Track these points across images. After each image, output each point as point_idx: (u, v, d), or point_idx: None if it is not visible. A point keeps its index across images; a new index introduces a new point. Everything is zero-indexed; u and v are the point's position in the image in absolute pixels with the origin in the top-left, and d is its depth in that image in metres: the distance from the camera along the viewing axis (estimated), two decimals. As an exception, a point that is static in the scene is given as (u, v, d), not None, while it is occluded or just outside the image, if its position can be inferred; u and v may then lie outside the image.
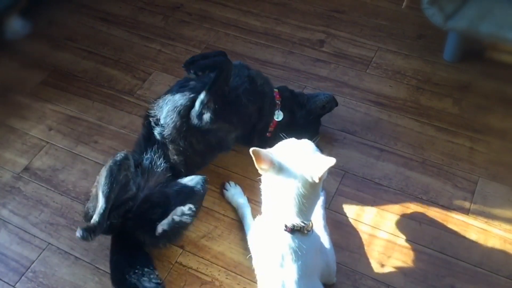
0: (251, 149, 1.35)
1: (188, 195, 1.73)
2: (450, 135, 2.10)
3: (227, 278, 1.74)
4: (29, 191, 2.01)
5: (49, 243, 1.85)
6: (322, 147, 2.06)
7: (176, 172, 1.85)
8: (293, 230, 1.43)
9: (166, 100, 1.80)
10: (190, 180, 1.79)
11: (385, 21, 2.62)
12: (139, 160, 1.79)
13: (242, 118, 1.87)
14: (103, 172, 1.62)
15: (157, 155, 1.80)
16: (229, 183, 1.97)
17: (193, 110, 1.75)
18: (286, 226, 1.43)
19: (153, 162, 1.79)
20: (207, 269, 1.77)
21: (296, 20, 2.66)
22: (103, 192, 1.58)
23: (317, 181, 1.36)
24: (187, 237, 1.85)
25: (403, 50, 2.46)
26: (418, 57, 2.42)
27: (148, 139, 1.84)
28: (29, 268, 1.79)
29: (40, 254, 1.82)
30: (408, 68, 2.38)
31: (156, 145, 1.81)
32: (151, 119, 1.82)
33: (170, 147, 1.82)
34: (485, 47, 2.40)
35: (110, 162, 1.64)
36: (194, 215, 1.64)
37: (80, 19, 2.78)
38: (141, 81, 2.42)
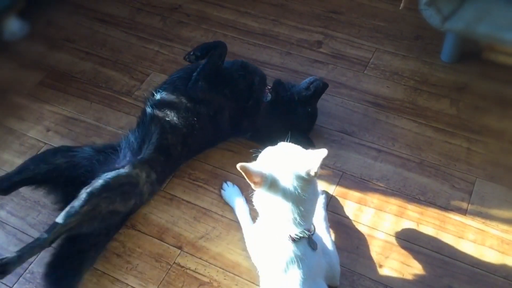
0: (238, 165, 1.34)
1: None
2: (448, 136, 2.10)
3: (225, 279, 1.74)
4: (27, 192, 2.00)
5: (47, 244, 1.85)
6: (318, 148, 2.07)
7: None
8: (296, 239, 1.42)
9: (164, 81, 2.05)
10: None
11: (383, 22, 2.62)
12: (119, 144, 1.92)
13: (234, 91, 2.00)
14: None
15: (137, 137, 1.91)
16: (226, 183, 1.97)
17: (189, 82, 1.96)
18: (290, 236, 1.42)
19: (130, 142, 1.90)
20: (205, 270, 1.77)
21: (294, 21, 2.66)
22: (26, 160, 1.86)
23: (312, 174, 1.36)
24: (185, 238, 1.85)
25: (400, 51, 2.47)
26: (415, 58, 2.43)
27: (139, 121, 1.97)
28: (27, 269, 1.79)
29: (38, 255, 1.82)
30: (406, 69, 2.38)
31: (142, 126, 1.93)
32: (148, 97, 2.00)
33: (159, 116, 1.91)
34: (482, 48, 2.41)
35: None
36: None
37: (78, 20, 2.77)
38: (139, 82, 2.42)
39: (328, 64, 2.43)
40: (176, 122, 1.91)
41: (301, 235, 1.41)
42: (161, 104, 1.94)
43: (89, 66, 2.51)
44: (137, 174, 1.79)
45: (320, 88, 2.05)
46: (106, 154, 1.87)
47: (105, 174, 1.74)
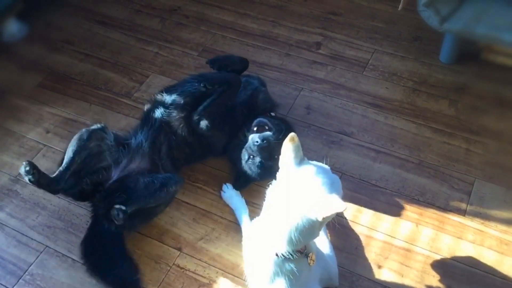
0: (291, 134, 1.32)
1: (155, 191, 1.76)
2: (446, 137, 2.11)
3: (224, 280, 1.74)
4: (26, 194, 2.01)
5: (47, 246, 1.85)
6: (318, 149, 2.07)
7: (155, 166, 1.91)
8: (283, 258, 1.39)
9: (177, 86, 1.99)
10: (165, 177, 1.82)
11: (381, 23, 2.63)
12: (128, 139, 1.89)
13: (232, 128, 1.98)
14: (76, 136, 1.78)
15: (147, 139, 1.89)
16: (226, 185, 1.97)
17: (195, 112, 1.91)
18: (276, 254, 1.39)
19: (141, 145, 1.88)
20: (204, 271, 1.77)
21: (293, 23, 2.67)
22: (69, 152, 1.74)
23: (320, 219, 1.27)
24: (184, 239, 1.85)
25: (399, 52, 2.47)
26: (414, 59, 2.43)
27: (145, 122, 1.94)
28: (26, 271, 1.79)
29: (38, 257, 1.83)
30: (405, 70, 2.39)
31: (150, 129, 1.90)
32: (157, 101, 1.96)
33: (164, 129, 1.90)
34: (480, 49, 2.41)
35: (83, 129, 1.80)
36: (121, 219, 1.66)
37: (77, 22, 2.78)
38: (138, 83, 2.42)
39: (327, 66, 2.44)
40: (180, 142, 1.93)
41: (289, 255, 1.38)
42: (169, 118, 1.92)
43: (88, 68, 2.51)
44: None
45: (261, 147, 1.81)
46: (118, 149, 1.86)
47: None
